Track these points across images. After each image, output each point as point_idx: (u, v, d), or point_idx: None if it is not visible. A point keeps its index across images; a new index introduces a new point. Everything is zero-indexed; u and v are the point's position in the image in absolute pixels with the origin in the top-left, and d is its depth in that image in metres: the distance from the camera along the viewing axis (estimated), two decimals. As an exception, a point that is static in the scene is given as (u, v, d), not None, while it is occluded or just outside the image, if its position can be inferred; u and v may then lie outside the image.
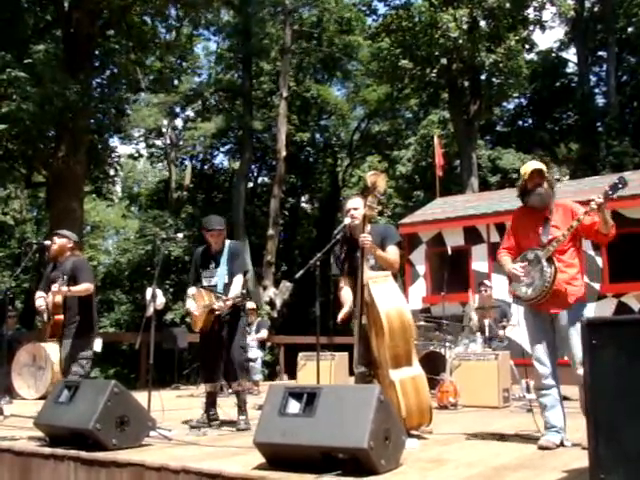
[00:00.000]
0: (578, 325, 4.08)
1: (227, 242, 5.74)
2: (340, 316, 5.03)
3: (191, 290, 5.70)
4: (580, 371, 3.88)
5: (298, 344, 12.99)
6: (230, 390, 6.32)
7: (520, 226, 4.56)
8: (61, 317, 5.69)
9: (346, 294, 5.05)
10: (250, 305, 10.66)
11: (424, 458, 3.88)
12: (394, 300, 4.65)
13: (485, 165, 23.30)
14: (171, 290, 22.41)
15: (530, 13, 20.70)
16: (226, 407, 5.93)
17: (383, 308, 4.58)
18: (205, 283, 5.62)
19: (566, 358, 4.29)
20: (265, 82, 28.55)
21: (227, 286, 5.52)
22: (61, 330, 5.73)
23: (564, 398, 4.42)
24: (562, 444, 4.21)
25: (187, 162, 30.63)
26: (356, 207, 4.90)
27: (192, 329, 5.85)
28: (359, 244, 4.72)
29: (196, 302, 5.55)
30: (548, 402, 4.31)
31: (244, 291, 5.52)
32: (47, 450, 4.28)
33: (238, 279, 5.55)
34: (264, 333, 10.25)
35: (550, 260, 4.25)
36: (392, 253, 4.87)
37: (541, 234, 4.35)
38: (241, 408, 5.48)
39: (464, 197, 15.91)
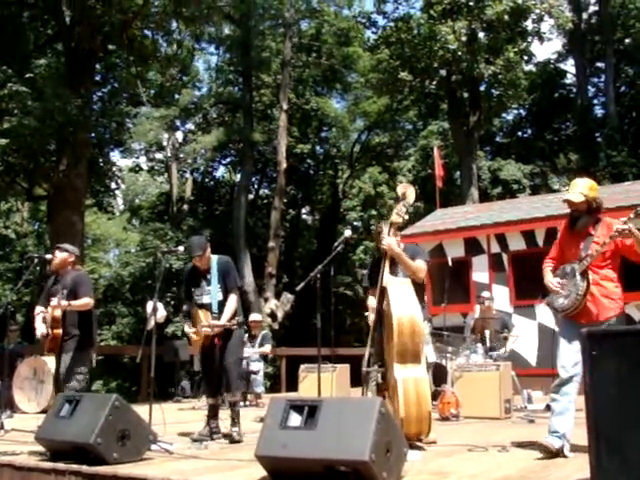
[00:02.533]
0: None
1: (214, 258, 5.73)
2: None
3: (185, 308, 5.76)
4: None
5: (300, 356, 12.97)
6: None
7: (565, 239, 4.64)
8: (60, 331, 5.69)
9: (372, 302, 5.16)
10: (255, 317, 10.64)
11: (426, 470, 3.86)
12: (408, 306, 4.71)
13: (485, 176, 23.34)
14: (172, 303, 22.36)
15: (528, 25, 20.80)
16: (227, 420, 5.91)
17: (396, 313, 4.64)
18: (199, 302, 5.65)
19: None
20: (265, 95, 28.64)
21: (221, 303, 5.56)
22: (59, 344, 5.73)
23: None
24: (563, 451, 4.21)
25: (188, 175, 30.68)
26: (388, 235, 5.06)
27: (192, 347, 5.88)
28: (380, 246, 4.95)
29: (193, 323, 5.59)
30: (557, 408, 4.33)
31: (239, 318, 5.55)
32: (48, 465, 4.27)
33: (232, 298, 5.58)
34: (267, 348, 10.22)
35: (584, 274, 4.33)
36: (418, 263, 5.09)
37: (581, 249, 4.43)
38: (234, 420, 5.48)
39: (464, 208, 15.92)
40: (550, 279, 4.53)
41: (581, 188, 4.49)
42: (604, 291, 4.33)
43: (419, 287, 4.99)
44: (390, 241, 4.90)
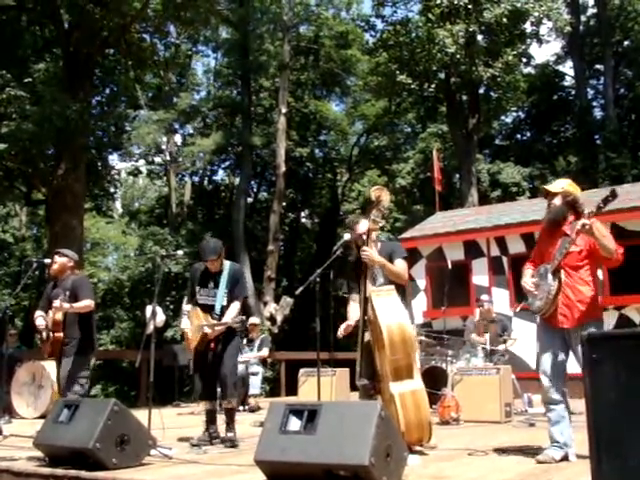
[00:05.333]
0: None
1: (227, 263, 5.70)
2: (340, 331, 5.05)
3: (186, 307, 5.70)
4: None
5: (299, 360, 12.95)
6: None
7: (543, 240, 4.61)
8: (61, 335, 5.68)
9: (353, 310, 5.07)
10: (253, 320, 10.63)
11: (426, 474, 3.85)
12: (396, 314, 4.66)
13: (484, 179, 23.35)
14: (171, 307, 22.35)
15: (527, 28, 20.81)
16: (224, 426, 5.89)
17: (384, 322, 4.60)
18: (202, 302, 5.61)
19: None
20: (264, 98, 28.68)
21: (225, 308, 5.53)
22: (60, 348, 5.72)
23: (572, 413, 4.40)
24: (566, 459, 4.19)
25: (187, 178, 30.68)
26: (365, 232, 4.92)
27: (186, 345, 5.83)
28: (362, 258, 4.76)
29: (191, 321, 5.55)
30: (552, 417, 4.31)
31: (243, 317, 5.52)
32: (46, 470, 4.24)
33: (236, 305, 5.56)
34: (265, 351, 10.22)
35: (555, 274, 4.28)
36: (399, 265, 4.92)
37: (557, 249, 4.37)
38: (229, 425, 5.48)
39: (464, 211, 15.92)
40: (525, 280, 4.49)
41: (561, 183, 4.54)
42: (580, 296, 4.26)
43: (400, 287, 4.89)
44: (370, 252, 4.74)
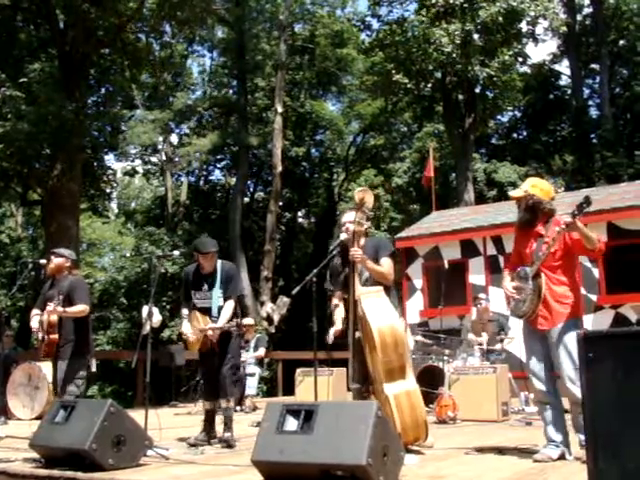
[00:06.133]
0: (567, 343, 4.13)
1: (219, 263, 5.69)
2: (330, 337, 5.04)
3: (185, 311, 5.70)
4: (569, 385, 3.97)
5: (296, 359, 12.96)
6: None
7: (518, 242, 4.62)
8: (56, 336, 5.66)
9: (338, 313, 5.05)
10: (248, 321, 10.61)
11: (423, 474, 3.85)
12: (385, 316, 4.65)
13: (480, 178, 23.36)
14: (168, 307, 22.32)
15: (523, 27, 20.83)
16: (221, 426, 5.89)
17: (375, 324, 4.58)
18: (198, 305, 5.61)
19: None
20: (260, 98, 28.64)
21: (221, 308, 5.54)
22: (55, 350, 5.70)
23: (565, 411, 4.41)
24: (563, 458, 4.20)
25: (183, 178, 30.64)
26: (351, 221, 4.91)
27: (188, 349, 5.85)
28: (349, 258, 4.75)
29: (191, 324, 5.55)
30: (547, 416, 4.33)
31: (238, 320, 5.52)
32: (43, 471, 4.23)
33: (230, 304, 5.56)
34: (262, 351, 10.21)
35: (535, 277, 4.31)
36: (385, 265, 4.87)
37: (534, 250, 4.39)
38: (227, 425, 5.48)
39: (460, 210, 15.93)
40: (506, 284, 4.52)
41: (525, 185, 4.52)
42: (557, 297, 4.28)
43: (386, 288, 4.86)
44: (359, 253, 4.74)
